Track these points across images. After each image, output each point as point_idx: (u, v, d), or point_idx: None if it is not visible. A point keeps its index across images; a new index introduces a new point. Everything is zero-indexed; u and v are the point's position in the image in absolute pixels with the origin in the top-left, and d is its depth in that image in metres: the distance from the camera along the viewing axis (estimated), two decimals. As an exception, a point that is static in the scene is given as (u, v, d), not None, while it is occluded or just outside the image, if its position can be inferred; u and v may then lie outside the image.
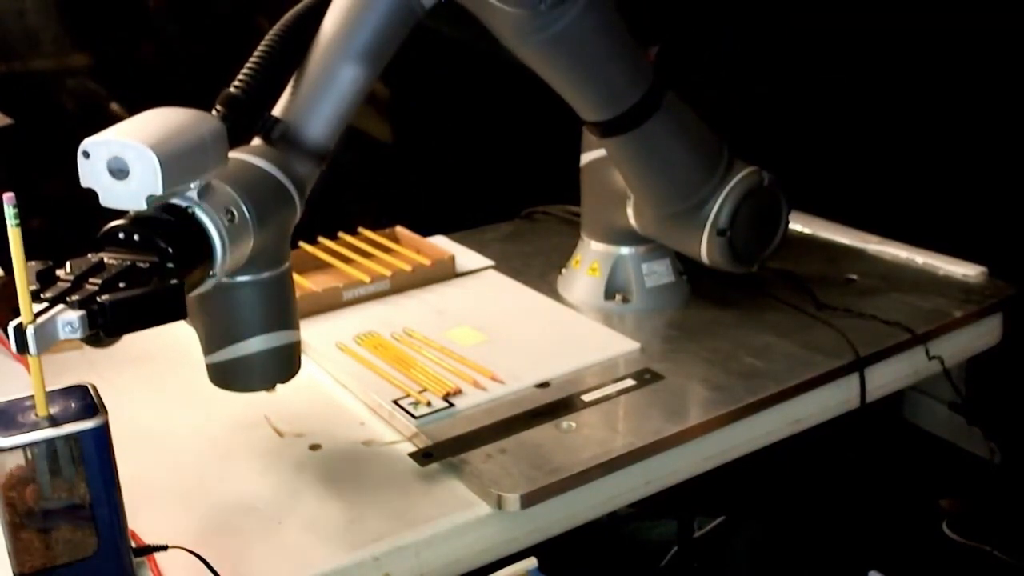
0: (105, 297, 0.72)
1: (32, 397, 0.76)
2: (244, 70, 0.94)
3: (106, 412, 0.76)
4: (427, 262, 1.39)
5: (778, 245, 1.25)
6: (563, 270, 1.38)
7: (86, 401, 0.77)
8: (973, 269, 1.37)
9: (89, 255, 0.77)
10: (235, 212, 0.84)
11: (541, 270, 1.42)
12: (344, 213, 1.55)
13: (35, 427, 0.74)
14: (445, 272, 1.40)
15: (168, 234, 0.78)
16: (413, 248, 1.46)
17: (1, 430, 0.73)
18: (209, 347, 0.94)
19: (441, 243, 1.52)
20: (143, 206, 0.77)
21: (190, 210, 0.81)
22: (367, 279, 1.32)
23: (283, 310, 0.95)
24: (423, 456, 0.97)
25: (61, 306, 0.72)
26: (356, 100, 0.98)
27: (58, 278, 0.74)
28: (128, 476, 0.79)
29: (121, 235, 0.78)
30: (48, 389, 0.76)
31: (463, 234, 1.57)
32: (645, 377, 1.12)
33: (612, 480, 0.98)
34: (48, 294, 0.72)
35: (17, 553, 0.76)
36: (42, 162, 1.42)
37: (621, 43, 1.10)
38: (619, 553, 1.67)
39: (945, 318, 1.26)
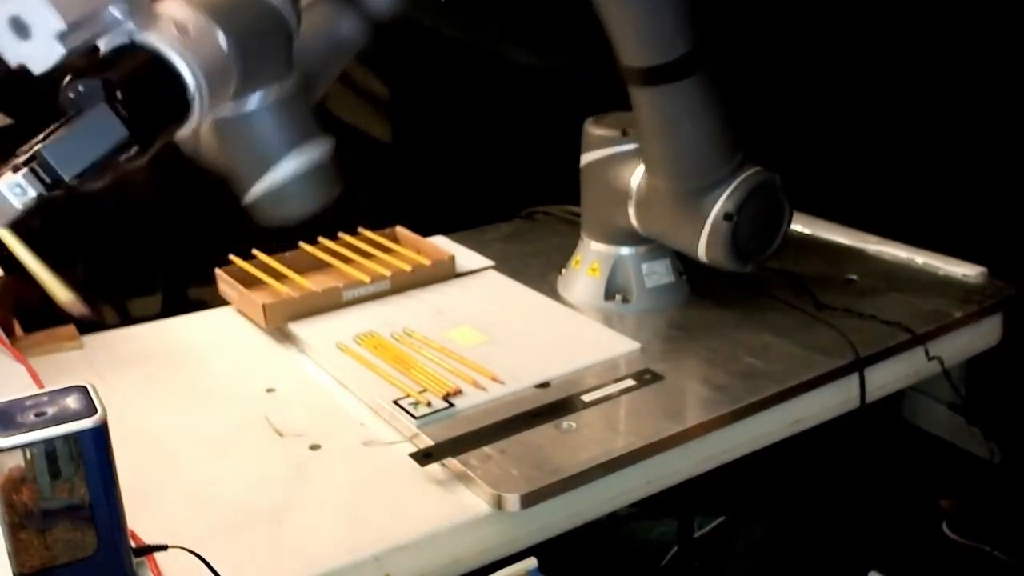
0: (41, 146, 0.71)
1: (32, 397, 0.76)
2: None
3: (105, 412, 0.76)
4: (427, 262, 1.39)
5: (775, 250, 1.25)
6: (563, 270, 1.38)
7: (85, 401, 0.77)
8: (973, 269, 1.37)
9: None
10: (190, 27, 0.80)
11: (541, 270, 1.42)
12: (344, 213, 1.55)
13: (34, 427, 0.74)
14: (445, 272, 1.40)
15: (109, 66, 0.75)
16: (413, 248, 1.46)
17: (0, 430, 0.73)
18: (245, 187, 0.92)
19: (441, 243, 1.52)
20: (57, 52, 0.73)
21: (131, 41, 0.77)
22: (367, 279, 1.32)
23: (302, 122, 0.92)
24: (423, 456, 0.97)
25: (7, 174, 0.72)
26: None
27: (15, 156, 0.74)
28: (128, 476, 0.79)
29: (71, 95, 0.75)
30: (47, 389, 0.76)
31: (463, 234, 1.57)
32: (645, 377, 1.12)
33: (612, 480, 0.98)
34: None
35: (17, 553, 0.76)
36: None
37: None
38: (619, 553, 1.67)
39: (945, 318, 1.26)
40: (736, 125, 1.20)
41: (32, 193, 0.71)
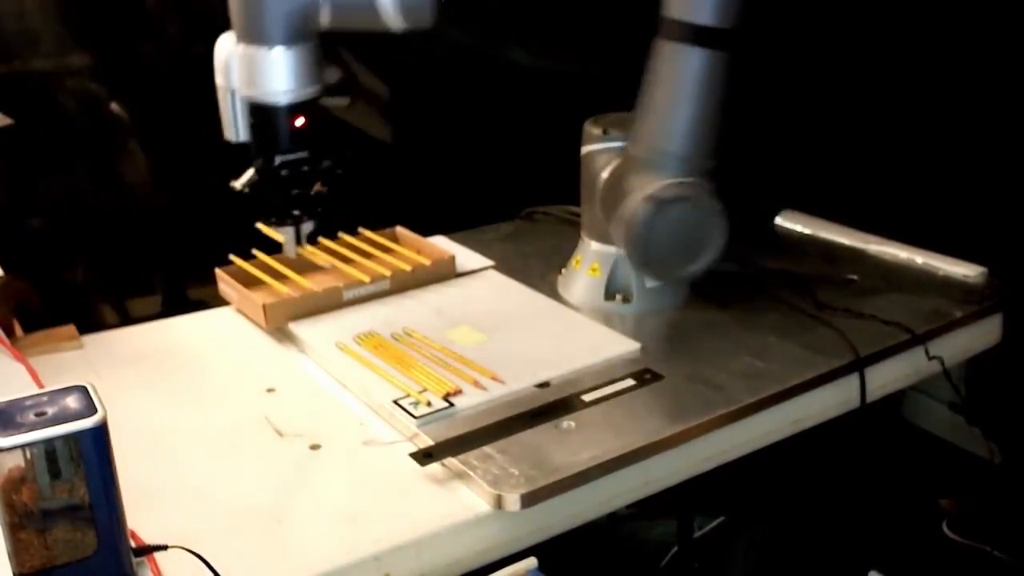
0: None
1: (32, 397, 0.76)
2: None
3: (105, 412, 0.76)
4: (427, 262, 1.39)
5: (690, 276, 1.24)
6: (563, 270, 1.38)
7: (85, 401, 0.77)
8: (973, 269, 1.37)
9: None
10: None
11: (541, 270, 1.42)
12: (344, 213, 1.55)
13: (34, 427, 0.74)
14: (445, 272, 1.40)
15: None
16: (413, 248, 1.46)
17: (0, 430, 0.73)
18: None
19: (441, 243, 1.52)
20: None
21: None
22: (367, 279, 1.32)
23: None
24: (423, 456, 0.97)
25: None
26: None
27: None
28: (128, 476, 0.79)
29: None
30: (47, 389, 0.76)
31: (463, 234, 1.57)
32: (645, 377, 1.12)
33: (612, 480, 0.98)
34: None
35: (17, 553, 0.76)
36: (42, 162, 1.42)
37: None
38: (619, 553, 1.67)
39: (945, 318, 1.26)
40: (721, 136, 1.20)
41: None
